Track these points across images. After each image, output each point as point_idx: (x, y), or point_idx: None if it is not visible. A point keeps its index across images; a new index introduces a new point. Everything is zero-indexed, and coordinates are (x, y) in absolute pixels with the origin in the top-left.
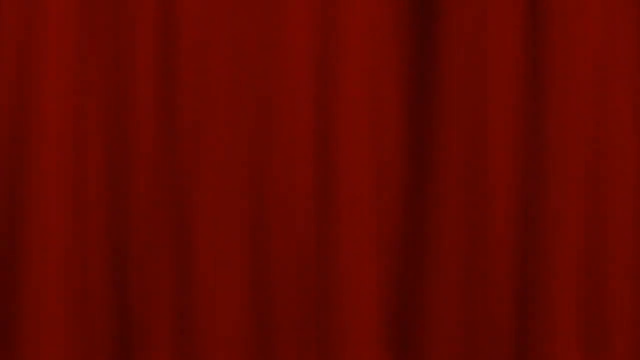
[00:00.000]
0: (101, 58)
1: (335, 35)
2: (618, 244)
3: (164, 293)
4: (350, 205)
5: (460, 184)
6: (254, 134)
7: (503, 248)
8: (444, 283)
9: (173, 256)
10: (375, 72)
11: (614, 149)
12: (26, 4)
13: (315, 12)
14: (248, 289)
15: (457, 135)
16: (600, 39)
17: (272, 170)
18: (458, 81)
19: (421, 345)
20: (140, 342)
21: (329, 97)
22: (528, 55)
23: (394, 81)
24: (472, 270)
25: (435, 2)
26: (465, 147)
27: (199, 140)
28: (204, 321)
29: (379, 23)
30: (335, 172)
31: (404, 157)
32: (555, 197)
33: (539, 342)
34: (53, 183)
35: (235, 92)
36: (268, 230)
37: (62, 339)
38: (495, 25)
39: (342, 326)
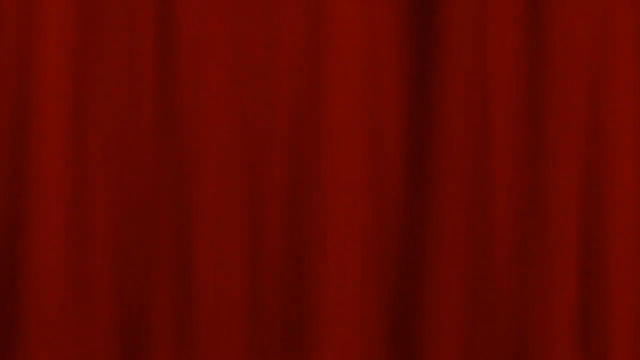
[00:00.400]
0: (101, 58)
1: (335, 35)
2: (618, 244)
3: (164, 293)
4: (350, 205)
5: (461, 184)
6: (254, 133)
7: (503, 248)
8: (443, 283)
9: (173, 256)
10: (375, 72)
11: (614, 149)
12: (26, 4)
13: (314, 11)
14: (248, 289)
15: (457, 135)
16: (600, 39)
17: (272, 170)
18: (458, 80)
19: (421, 346)
20: (141, 342)
21: (328, 96)
22: (528, 55)
23: (393, 80)
24: (472, 270)
25: (435, 1)
26: (465, 147)
27: (198, 140)
28: (204, 321)
29: (379, 22)
30: (335, 172)
31: (404, 157)
32: (556, 198)
33: (538, 342)
34: (53, 183)
35: (235, 92)
36: (267, 231)
37: (62, 339)
38: (495, 24)
39: (342, 328)
